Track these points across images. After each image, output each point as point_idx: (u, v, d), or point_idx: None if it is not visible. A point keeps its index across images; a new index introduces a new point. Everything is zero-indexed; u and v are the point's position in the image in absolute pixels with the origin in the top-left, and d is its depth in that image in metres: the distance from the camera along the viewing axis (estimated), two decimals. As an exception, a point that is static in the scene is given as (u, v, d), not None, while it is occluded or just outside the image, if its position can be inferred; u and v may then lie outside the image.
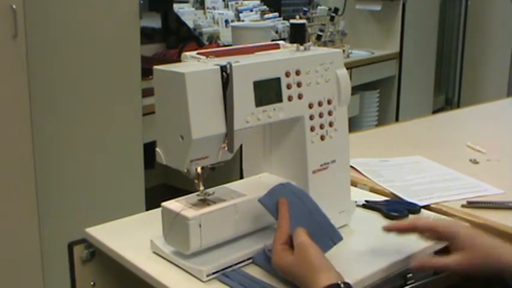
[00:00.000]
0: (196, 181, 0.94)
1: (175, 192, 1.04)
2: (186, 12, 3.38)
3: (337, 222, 1.06)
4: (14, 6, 1.77)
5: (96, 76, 2.15)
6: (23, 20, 1.81)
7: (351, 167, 1.31)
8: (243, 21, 3.59)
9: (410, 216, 1.14)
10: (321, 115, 1.01)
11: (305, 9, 3.68)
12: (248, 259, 0.94)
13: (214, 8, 3.59)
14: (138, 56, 2.28)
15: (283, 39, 3.37)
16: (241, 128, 0.91)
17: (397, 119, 4.01)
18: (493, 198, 1.22)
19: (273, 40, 2.80)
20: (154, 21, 3.31)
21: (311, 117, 1.00)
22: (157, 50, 3.25)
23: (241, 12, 3.68)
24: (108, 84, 2.19)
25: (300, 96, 0.98)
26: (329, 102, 1.02)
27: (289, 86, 0.96)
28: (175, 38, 3.32)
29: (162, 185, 3.44)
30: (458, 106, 4.71)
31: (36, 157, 1.92)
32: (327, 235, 0.93)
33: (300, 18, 3.45)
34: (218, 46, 3.07)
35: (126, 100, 2.26)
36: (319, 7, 3.81)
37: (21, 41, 1.82)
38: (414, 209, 1.16)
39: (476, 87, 4.71)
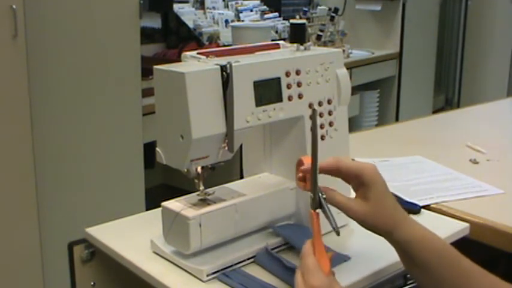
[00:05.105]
0: (196, 181, 0.94)
1: (175, 192, 1.04)
2: (186, 12, 3.38)
3: (337, 222, 1.06)
4: (14, 6, 1.77)
5: (96, 76, 2.15)
6: (23, 20, 1.81)
7: (351, 167, 1.31)
8: (243, 21, 3.59)
9: (410, 216, 1.14)
10: (321, 115, 1.01)
11: (305, 9, 3.69)
12: (248, 259, 0.94)
13: (214, 8, 3.59)
14: (138, 56, 2.28)
15: (283, 39, 3.38)
16: (241, 128, 0.90)
17: (397, 119, 4.01)
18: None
19: (273, 40, 2.80)
20: (154, 21, 3.31)
21: (311, 117, 1.00)
22: (157, 50, 3.25)
23: (241, 12, 3.68)
24: (108, 84, 2.19)
25: (300, 96, 0.98)
26: (329, 102, 1.02)
27: (289, 86, 0.96)
28: (175, 38, 3.32)
29: (162, 185, 3.44)
30: (458, 106, 4.71)
31: (36, 157, 1.92)
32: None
33: (300, 18, 3.45)
34: (218, 46, 3.07)
35: (126, 100, 2.26)
36: (319, 7, 3.81)
37: (21, 41, 1.82)
38: (414, 209, 1.16)
39: (476, 87, 4.71)
